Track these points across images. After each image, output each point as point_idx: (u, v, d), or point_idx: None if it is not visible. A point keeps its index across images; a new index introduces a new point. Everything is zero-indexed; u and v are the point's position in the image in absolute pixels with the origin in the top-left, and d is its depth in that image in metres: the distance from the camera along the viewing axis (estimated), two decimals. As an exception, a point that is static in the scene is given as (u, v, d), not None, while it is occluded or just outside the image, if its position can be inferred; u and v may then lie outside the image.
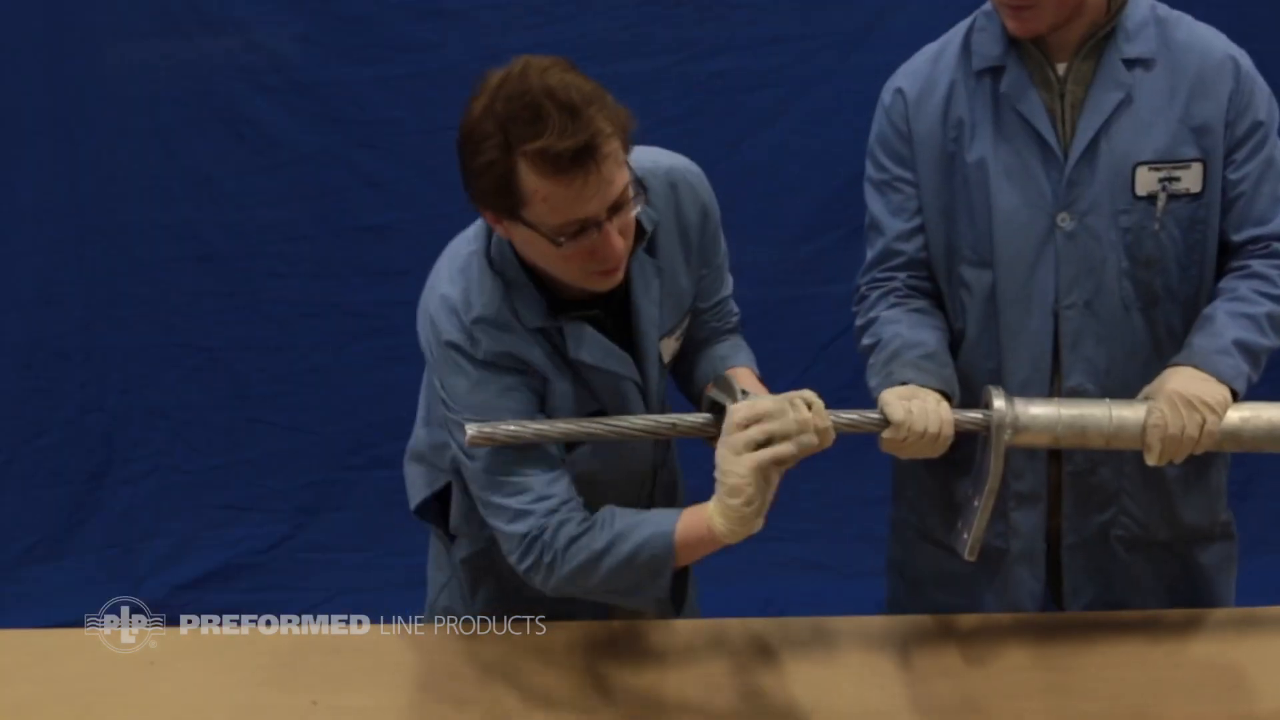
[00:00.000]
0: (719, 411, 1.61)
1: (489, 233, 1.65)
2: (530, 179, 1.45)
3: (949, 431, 1.66)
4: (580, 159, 1.44)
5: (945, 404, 1.68)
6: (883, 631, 1.81)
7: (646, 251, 1.70)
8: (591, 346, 1.67)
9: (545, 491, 1.63)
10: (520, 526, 1.62)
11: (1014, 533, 1.89)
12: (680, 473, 1.99)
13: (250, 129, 3.33)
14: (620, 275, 1.59)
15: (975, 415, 1.68)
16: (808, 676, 1.70)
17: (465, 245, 1.68)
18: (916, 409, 1.65)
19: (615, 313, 1.70)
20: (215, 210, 3.40)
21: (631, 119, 1.52)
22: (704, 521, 1.57)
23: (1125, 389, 1.78)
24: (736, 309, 1.93)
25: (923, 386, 1.70)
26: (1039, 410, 1.67)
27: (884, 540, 2.13)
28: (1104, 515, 1.88)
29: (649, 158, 1.72)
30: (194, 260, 3.42)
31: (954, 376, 1.78)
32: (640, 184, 1.56)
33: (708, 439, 1.65)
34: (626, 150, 1.52)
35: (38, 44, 3.31)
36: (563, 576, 1.62)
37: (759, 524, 1.54)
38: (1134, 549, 1.89)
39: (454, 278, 1.66)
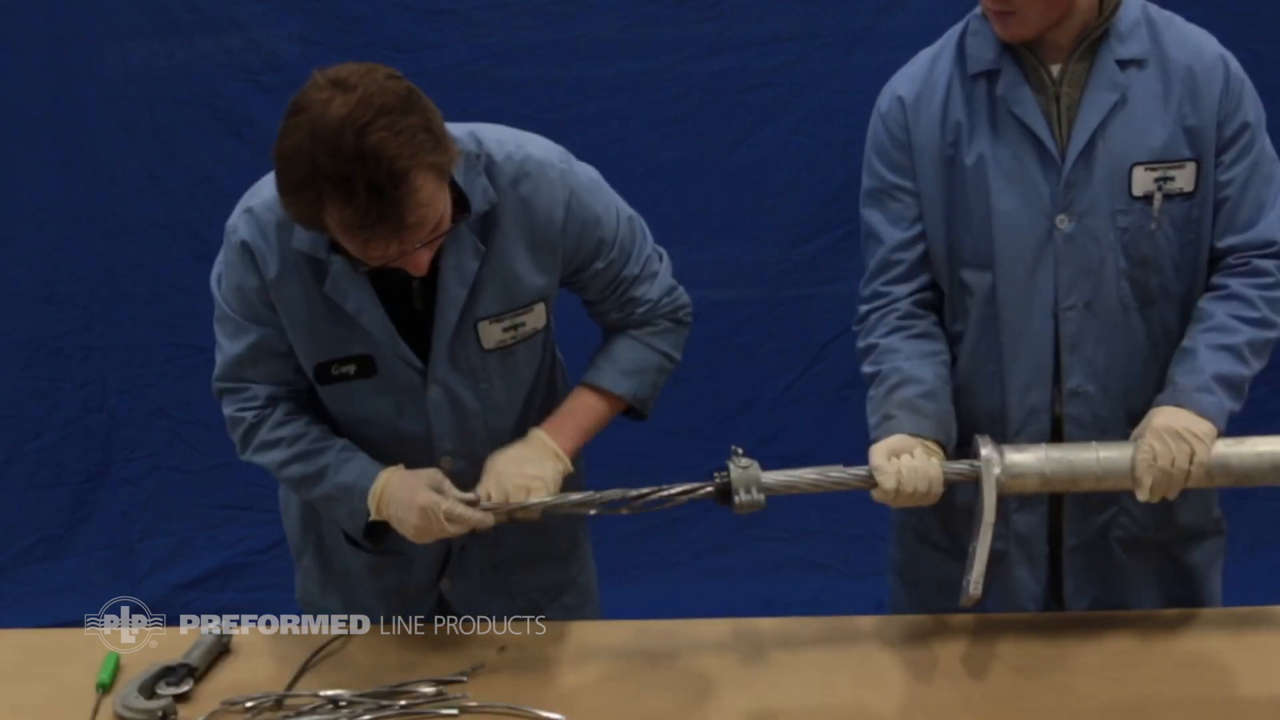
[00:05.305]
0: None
1: None
2: (336, 226, 1.49)
3: (939, 489, 1.69)
4: (384, 230, 1.47)
5: (935, 459, 1.70)
6: (882, 631, 1.81)
7: (479, 234, 1.67)
8: (353, 293, 1.66)
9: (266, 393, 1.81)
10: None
11: (1015, 535, 1.89)
12: None
13: (250, 129, 3.32)
14: (425, 269, 1.59)
15: (963, 467, 1.71)
16: (808, 676, 1.70)
17: None
18: (906, 469, 1.67)
19: (430, 282, 1.68)
20: (215, 210, 3.39)
21: (452, 147, 1.52)
22: None
23: (1125, 390, 1.80)
24: (667, 307, 1.86)
25: (916, 434, 1.72)
26: (1025, 457, 1.70)
27: (884, 540, 2.13)
28: (1104, 516, 1.88)
29: (517, 141, 1.69)
30: (194, 260, 3.41)
31: (950, 414, 1.80)
32: (462, 202, 1.58)
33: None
34: (447, 170, 1.52)
35: (38, 44, 3.30)
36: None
37: None
38: (1132, 549, 1.90)
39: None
